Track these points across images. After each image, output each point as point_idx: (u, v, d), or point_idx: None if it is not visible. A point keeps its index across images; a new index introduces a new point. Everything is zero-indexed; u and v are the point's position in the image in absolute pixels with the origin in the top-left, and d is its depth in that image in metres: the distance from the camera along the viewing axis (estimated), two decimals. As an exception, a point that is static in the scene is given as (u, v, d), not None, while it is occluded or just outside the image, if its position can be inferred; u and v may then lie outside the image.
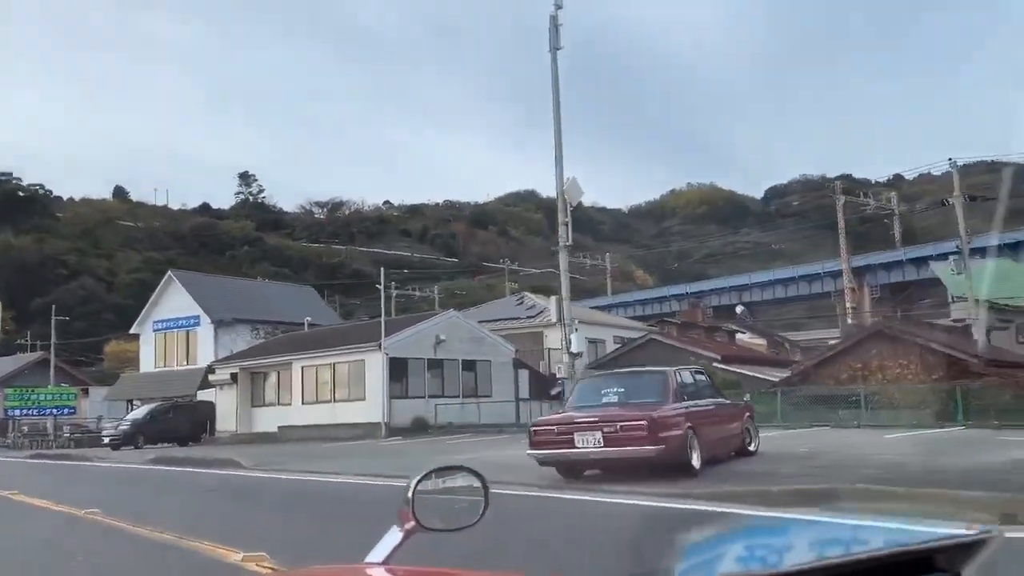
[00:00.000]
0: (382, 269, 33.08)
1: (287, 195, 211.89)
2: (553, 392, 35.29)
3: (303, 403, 32.53)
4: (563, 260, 28.23)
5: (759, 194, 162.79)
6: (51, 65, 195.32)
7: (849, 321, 53.44)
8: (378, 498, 10.77)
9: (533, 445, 11.22)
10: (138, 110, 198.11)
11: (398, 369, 30.30)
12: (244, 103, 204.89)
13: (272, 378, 34.76)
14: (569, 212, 27.69)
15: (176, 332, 43.86)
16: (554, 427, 11.05)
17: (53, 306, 65.59)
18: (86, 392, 49.77)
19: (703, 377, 13.11)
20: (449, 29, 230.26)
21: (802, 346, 52.37)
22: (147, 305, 45.51)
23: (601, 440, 10.32)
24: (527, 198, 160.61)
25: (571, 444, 10.58)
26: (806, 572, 0.83)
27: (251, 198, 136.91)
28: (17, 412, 43.73)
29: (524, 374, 34.61)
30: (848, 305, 55.38)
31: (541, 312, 38.65)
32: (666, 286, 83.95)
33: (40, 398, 44.62)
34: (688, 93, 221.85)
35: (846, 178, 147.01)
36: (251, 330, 44.06)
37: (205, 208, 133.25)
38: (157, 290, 45.42)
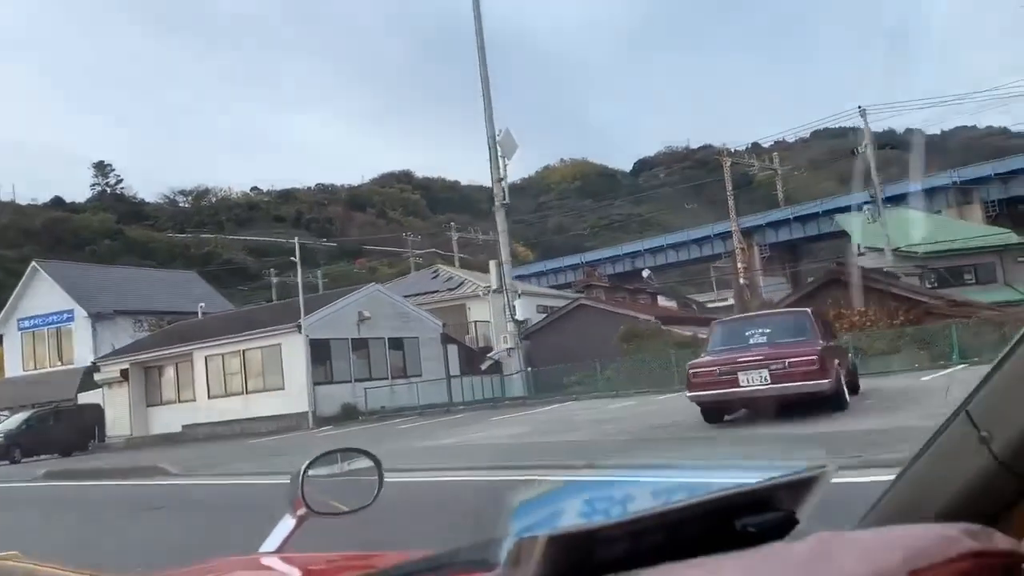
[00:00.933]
0: (297, 241, 29.27)
1: (148, 185, 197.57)
2: (484, 366, 32.60)
3: (209, 397, 28.39)
4: (500, 220, 25.58)
5: (628, 167, 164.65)
6: None
7: (741, 281, 53.39)
8: (443, 497, 7.91)
9: (692, 387, 10.96)
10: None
11: (320, 352, 26.73)
12: (96, 91, 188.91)
13: (169, 373, 30.33)
14: (504, 167, 24.99)
15: (46, 330, 38.24)
16: (716, 368, 10.72)
17: None
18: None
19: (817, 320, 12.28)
20: (311, 14, 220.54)
21: (708, 307, 51.80)
22: (9, 302, 39.51)
23: (768, 377, 10.20)
24: (402, 179, 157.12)
25: (734, 384, 10.42)
26: (646, 518, 0.78)
27: (108, 189, 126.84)
28: None
29: (453, 349, 31.68)
30: (740, 265, 55.32)
31: (462, 284, 35.75)
32: (558, 258, 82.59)
33: None
34: (555, 69, 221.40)
35: (707, 148, 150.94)
36: (134, 322, 38.99)
37: (58, 202, 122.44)
38: (20, 285, 39.47)
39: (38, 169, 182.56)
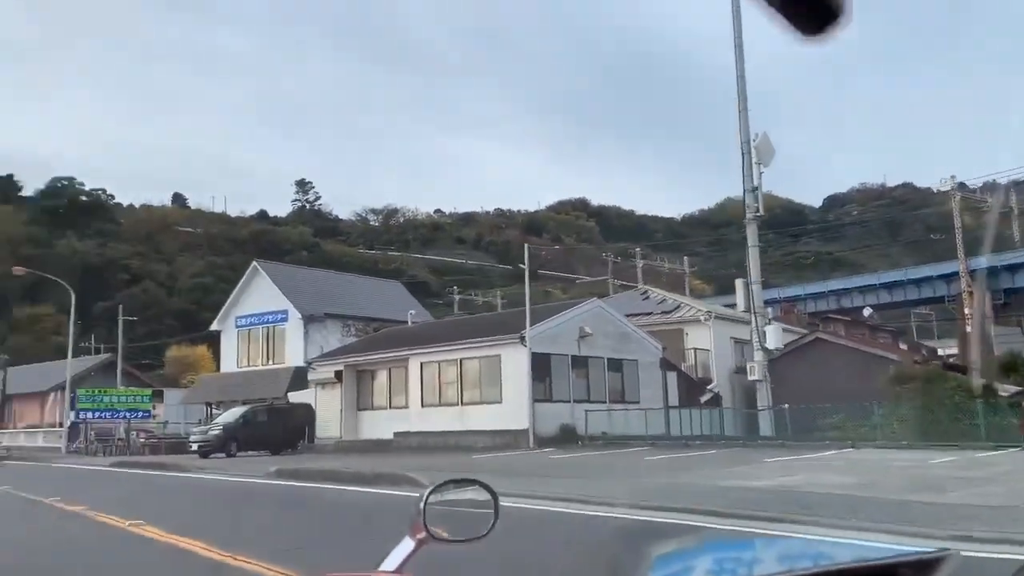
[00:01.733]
0: (526, 248, 27.63)
1: (343, 203, 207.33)
2: (703, 399, 29.63)
3: (423, 406, 27.12)
4: (751, 234, 22.72)
5: (817, 202, 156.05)
6: (110, 76, 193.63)
7: (968, 329, 47.34)
8: None
9: None
10: (194, 120, 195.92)
11: (540, 367, 24.77)
12: (297, 115, 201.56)
13: (382, 377, 29.41)
14: (760, 174, 22.12)
15: (261, 328, 38.79)
16: None
17: (120, 307, 61.61)
18: (160, 395, 44.83)
19: None
20: (497, 41, 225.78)
21: (938, 355, 46.17)
22: (229, 299, 40.50)
23: None
24: (577, 206, 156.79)
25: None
26: None
27: (308, 205, 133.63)
28: (89, 414, 38.87)
29: (672, 377, 28.97)
30: (967, 311, 49.21)
31: (678, 307, 33.01)
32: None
33: (113, 400, 39.75)
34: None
35: (907, 186, 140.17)
36: (342, 326, 38.90)
37: (263, 215, 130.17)
38: (240, 283, 40.40)
39: (246, 184, 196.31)
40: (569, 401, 25.33)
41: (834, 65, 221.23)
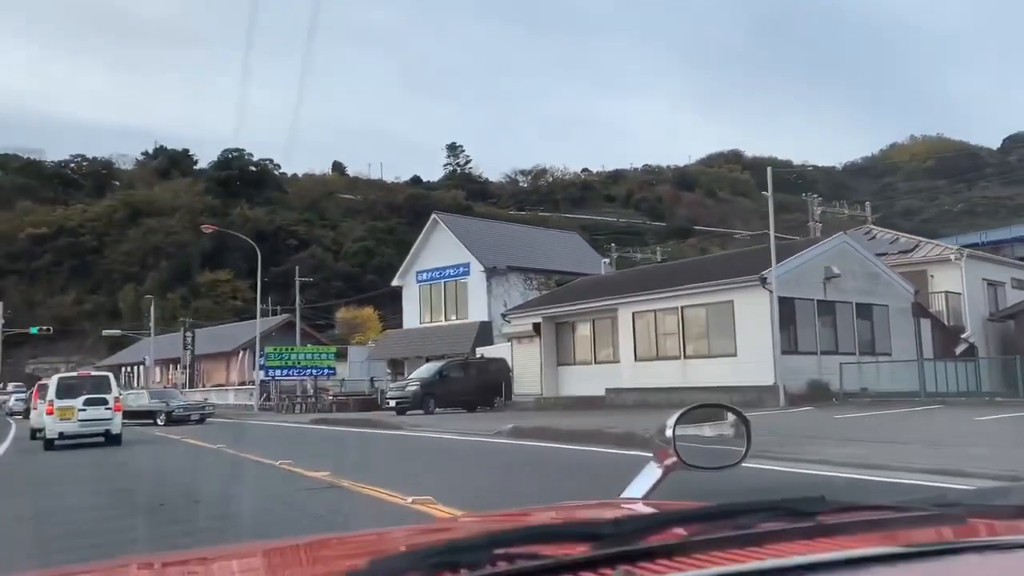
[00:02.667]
0: (769, 173, 23.71)
1: (492, 166, 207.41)
2: (958, 349, 24.87)
3: (636, 360, 23.94)
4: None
5: (996, 144, 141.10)
6: (271, 55, 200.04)
7: None
8: None
9: None
10: (348, 93, 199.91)
11: (784, 314, 20.97)
12: (443, 82, 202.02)
13: (584, 329, 26.43)
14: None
15: (443, 283, 36.71)
16: None
17: (297, 267, 61.94)
18: (343, 354, 43.98)
19: None
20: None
21: None
22: (410, 254, 38.66)
23: None
24: (730, 159, 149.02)
25: None
26: None
27: (459, 169, 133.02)
28: (276, 372, 38.27)
29: (926, 325, 24.42)
30: None
31: (916, 247, 28.13)
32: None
33: (298, 358, 38.98)
34: (907, 37, 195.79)
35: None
36: (524, 280, 36.27)
37: (416, 180, 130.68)
38: (420, 238, 38.45)
39: (399, 151, 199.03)
40: (816, 353, 21.39)
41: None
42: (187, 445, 17.99)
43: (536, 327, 26.91)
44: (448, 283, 36.63)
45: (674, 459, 1.67)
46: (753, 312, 20.76)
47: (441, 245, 36.86)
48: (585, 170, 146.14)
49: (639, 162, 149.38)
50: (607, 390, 23.75)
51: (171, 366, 60.63)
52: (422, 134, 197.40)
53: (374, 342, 43.81)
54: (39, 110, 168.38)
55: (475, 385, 27.78)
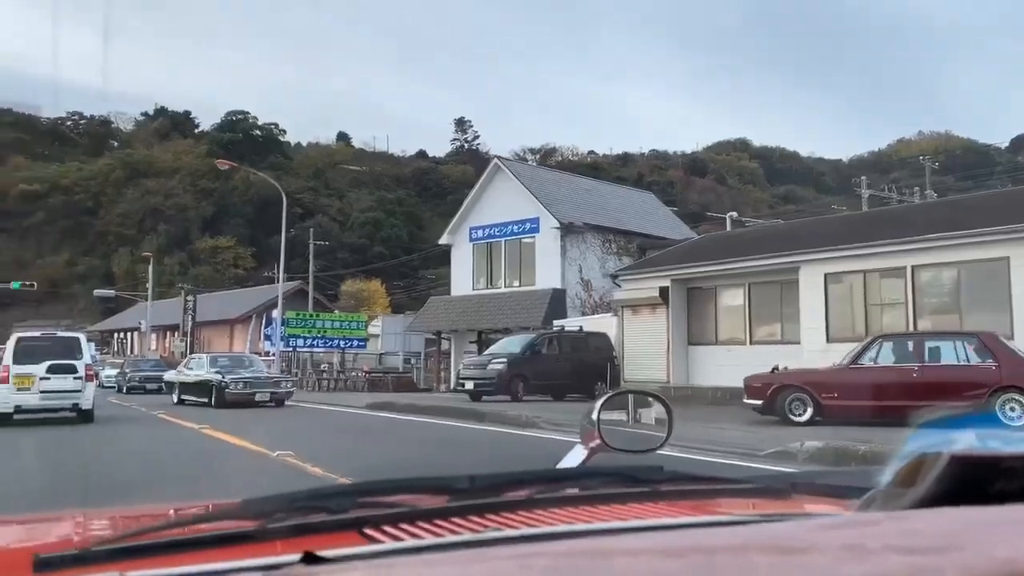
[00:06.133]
0: None
1: (500, 143, 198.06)
2: None
3: (828, 340, 16.47)
4: None
5: (1005, 143, 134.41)
6: (274, 24, 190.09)
7: None
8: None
9: None
10: (352, 67, 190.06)
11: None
12: (449, 58, 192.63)
13: (733, 297, 18.81)
14: None
15: (503, 241, 29.02)
16: None
17: (311, 231, 54.18)
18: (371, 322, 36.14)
19: None
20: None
21: None
22: (463, 207, 30.79)
23: None
24: (738, 147, 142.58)
25: None
26: None
27: (466, 145, 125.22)
28: (300, 342, 30.44)
29: None
30: None
31: None
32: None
33: (325, 326, 31.19)
34: (916, 30, 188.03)
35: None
36: (603, 242, 28.70)
37: (422, 155, 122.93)
38: (475, 188, 30.58)
39: (406, 126, 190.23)
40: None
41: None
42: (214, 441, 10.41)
43: (663, 293, 19.27)
44: (509, 242, 28.93)
45: (598, 441, 1.70)
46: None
47: (502, 196, 29.13)
48: (591, 152, 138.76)
49: (646, 147, 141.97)
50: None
51: (169, 333, 52.61)
52: (427, 112, 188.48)
53: (411, 313, 35.93)
54: (37, 72, 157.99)
55: (571, 367, 20.15)
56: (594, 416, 1.73)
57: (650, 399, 1.92)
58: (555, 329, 21.55)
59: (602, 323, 21.68)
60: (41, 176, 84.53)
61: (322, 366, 33.00)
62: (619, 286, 20.73)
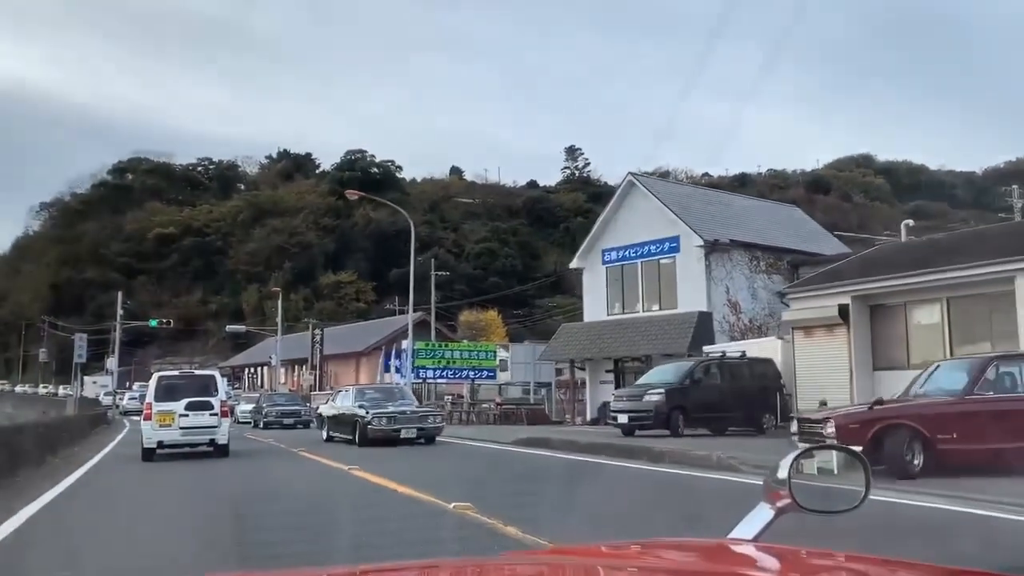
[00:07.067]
0: None
1: (608, 170, 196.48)
2: None
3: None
4: None
5: None
6: (386, 67, 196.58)
7: None
8: None
9: None
10: (461, 103, 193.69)
11: None
12: (556, 86, 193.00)
13: (927, 314, 16.34)
14: None
15: (639, 263, 27.25)
16: None
17: (432, 261, 54.10)
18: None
19: None
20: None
21: None
22: (595, 228, 29.23)
23: None
24: (861, 163, 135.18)
25: None
26: None
27: (577, 172, 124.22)
28: (429, 372, 29.57)
29: None
30: None
31: None
32: None
33: (454, 356, 30.21)
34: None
35: None
36: (750, 260, 26.47)
37: (533, 184, 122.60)
38: (608, 207, 29.01)
39: (515, 158, 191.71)
40: None
41: None
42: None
43: (842, 311, 16.99)
44: (647, 263, 27.11)
45: (788, 501, 1.59)
46: None
47: (637, 215, 27.42)
48: (706, 174, 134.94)
49: (763, 167, 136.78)
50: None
51: (297, 367, 53.39)
52: (537, 141, 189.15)
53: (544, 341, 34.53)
54: (167, 124, 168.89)
55: (734, 397, 18.11)
56: (783, 474, 1.60)
57: (840, 454, 1.76)
58: (715, 356, 19.48)
59: (766, 347, 19.52)
60: (175, 219, 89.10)
61: (446, 397, 32.08)
62: (787, 305, 18.58)
